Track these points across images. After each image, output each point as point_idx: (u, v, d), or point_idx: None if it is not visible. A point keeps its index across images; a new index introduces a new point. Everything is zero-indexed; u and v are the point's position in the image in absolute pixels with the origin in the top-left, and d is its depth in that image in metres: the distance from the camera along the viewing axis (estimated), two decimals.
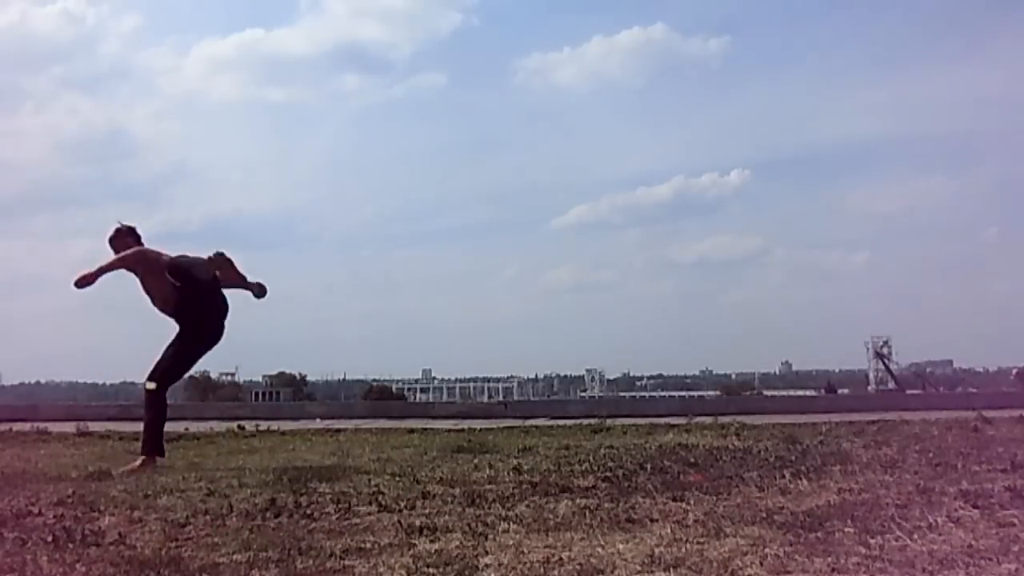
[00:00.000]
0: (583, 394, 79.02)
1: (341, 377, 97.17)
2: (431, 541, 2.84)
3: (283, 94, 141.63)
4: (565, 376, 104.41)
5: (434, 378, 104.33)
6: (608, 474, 4.27)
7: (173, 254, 5.39)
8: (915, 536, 2.62)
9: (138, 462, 5.20)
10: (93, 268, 5.17)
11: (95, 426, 9.30)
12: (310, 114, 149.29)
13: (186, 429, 9.04)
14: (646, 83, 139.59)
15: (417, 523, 3.10)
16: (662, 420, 8.41)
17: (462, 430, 8.22)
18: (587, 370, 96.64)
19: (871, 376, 63.55)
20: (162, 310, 5.38)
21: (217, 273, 5.30)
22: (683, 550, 2.58)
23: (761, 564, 2.39)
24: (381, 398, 49.02)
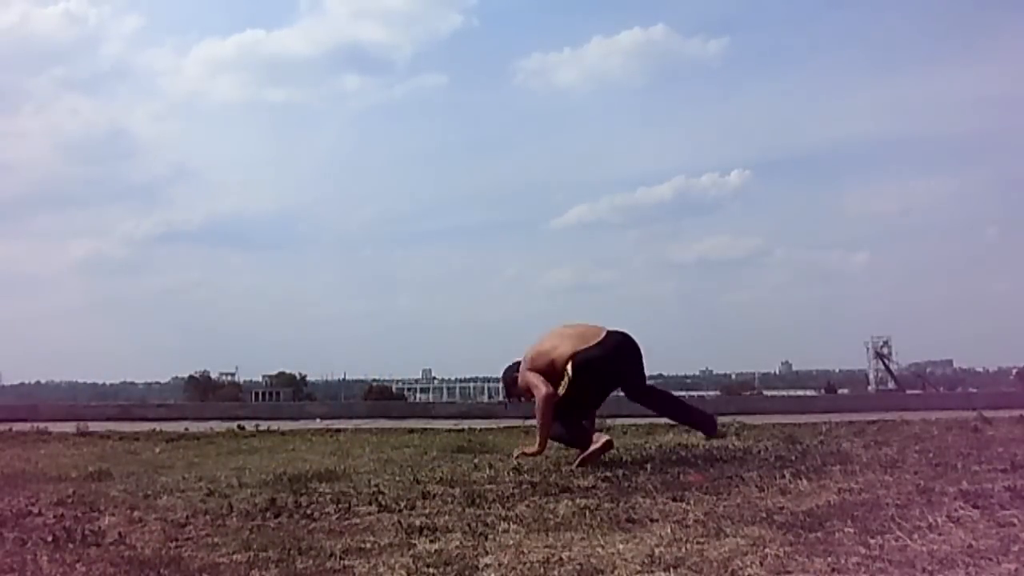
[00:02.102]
0: None
1: (341, 377, 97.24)
2: (431, 541, 2.84)
3: (283, 94, 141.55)
4: None
5: (434, 378, 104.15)
6: (608, 474, 4.27)
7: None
8: (915, 536, 2.62)
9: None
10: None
11: (95, 426, 9.32)
12: (310, 114, 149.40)
13: (186, 429, 9.05)
14: (646, 83, 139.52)
15: (417, 523, 3.10)
16: (662, 420, 8.42)
17: (462, 430, 8.23)
18: None
19: (871, 376, 63.42)
20: None
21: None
22: (683, 550, 2.58)
23: (761, 564, 2.39)
24: (381, 398, 49.01)
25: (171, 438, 8.06)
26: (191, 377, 61.51)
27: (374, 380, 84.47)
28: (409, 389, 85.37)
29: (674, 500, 3.45)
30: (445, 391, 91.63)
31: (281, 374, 66.72)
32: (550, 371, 4.94)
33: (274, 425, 9.58)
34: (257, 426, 9.38)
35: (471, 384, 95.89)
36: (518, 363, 5.14)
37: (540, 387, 4.82)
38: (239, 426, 9.38)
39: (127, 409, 15.00)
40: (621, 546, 2.65)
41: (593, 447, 4.69)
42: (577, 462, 4.67)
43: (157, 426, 9.44)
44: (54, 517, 3.50)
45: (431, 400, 64.38)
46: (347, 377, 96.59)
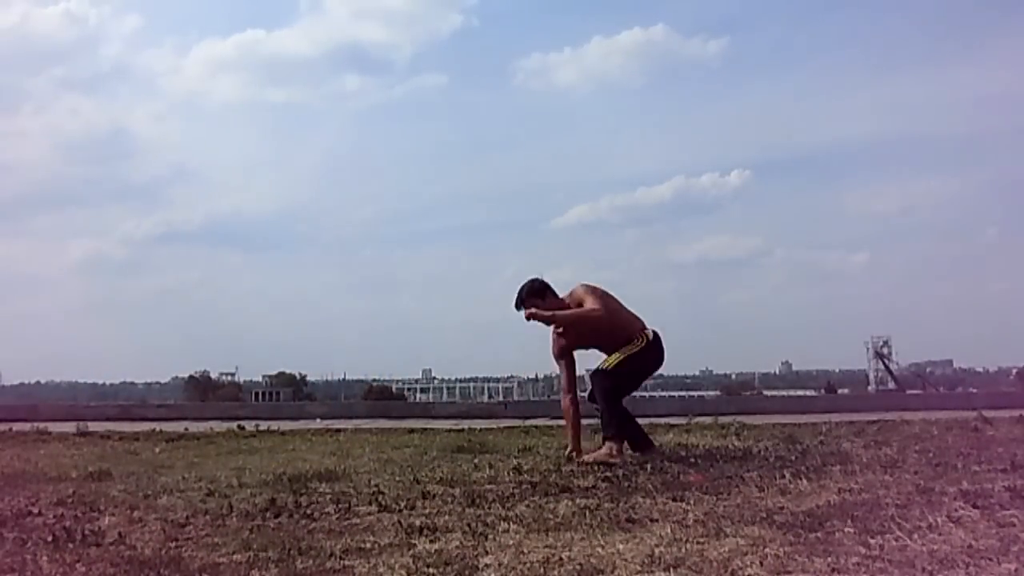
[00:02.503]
0: (582, 394, 78.55)
1: (341, 377, 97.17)
2: (431, 541, 2.84)
3: (284, 94, 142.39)
4: None
5: (434, 378, 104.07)
6: (608, 474, 4.27)
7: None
8: (915, 536, 2.62)
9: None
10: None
11: (95, 426, 9.32)
12: (311, 114, 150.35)
13: (186, 429, 9.05)
14: (646, 83, 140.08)
15: (417, 523, 3.10)
16: (662, 420, 8.42)
17: (462, 430, 8.22)
18: (587, 370, 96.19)
19: (871, 376, 63.32)
20: None
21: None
22: (683, 550, 2.58)
23: (761, 564, 2.39)
24: (381, 398, 48.98)
25: (171, 438, 8.06)
26: (191, 377, 61.50)
27: (374, 380, 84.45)
28: (409, 389, 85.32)
29: (674, 500, 3.44)
30: (445, 391, 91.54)
31: (281, 374, 66.75)
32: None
33: (274, 425, 9.57)
34: (257, 426, 9.36)
35: (471, 384, 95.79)
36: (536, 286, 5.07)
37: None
38: (239, 426, 9.36)
39: (127, 409, 14.97)
40: (621, 546, 2.65)
41: (604, 456, 4.71)
42: (586, 459, 4.71)
43: (157, 426, 9.43)
44: (54, 517, 3.49)
45: (431, 400, 64.31)
46: (347, 377, 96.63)
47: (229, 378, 66.19)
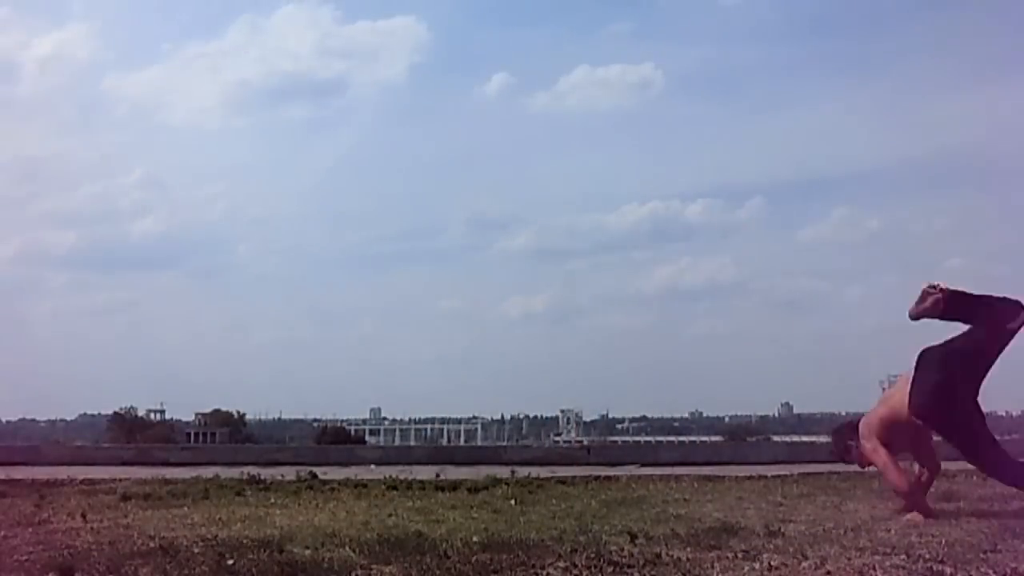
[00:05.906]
0: (557, 438, 78.77)
1: (277, 416, 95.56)
2: None
3: (242, 120, 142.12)
4: (535, 417, 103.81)
5: (384, 419, 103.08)
6: None
7: None
8: None
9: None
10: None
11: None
12: (253, 136, 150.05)
13: (247, 474, 8.52)
14: (619, 110, 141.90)
15: None
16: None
17: (596, 479, 8.11)
18: (562, 411, 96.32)
19: None
20: None
21: None
22: None
23: None
24: (336, 440, 48.24)
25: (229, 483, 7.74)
26: (116, 414, 59.49)
27: (315, 420, 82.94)
28: (357, 431, 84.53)
29: None
30: (398, 433, 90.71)
31: (216, 412, 65.17)
32: None
33: (332, 473, 9.36)
34: (312, 473, 9.11)
35: (428, 426, 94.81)
36: None
37: None
38: (311, 473, 9.08)
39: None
40: None
41: None
42: None
43: (219, 472, 9.08)
44: None
45: (380, 443, 63.57)
46: (283, 416, 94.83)
47: (159, 416, 64.42)
